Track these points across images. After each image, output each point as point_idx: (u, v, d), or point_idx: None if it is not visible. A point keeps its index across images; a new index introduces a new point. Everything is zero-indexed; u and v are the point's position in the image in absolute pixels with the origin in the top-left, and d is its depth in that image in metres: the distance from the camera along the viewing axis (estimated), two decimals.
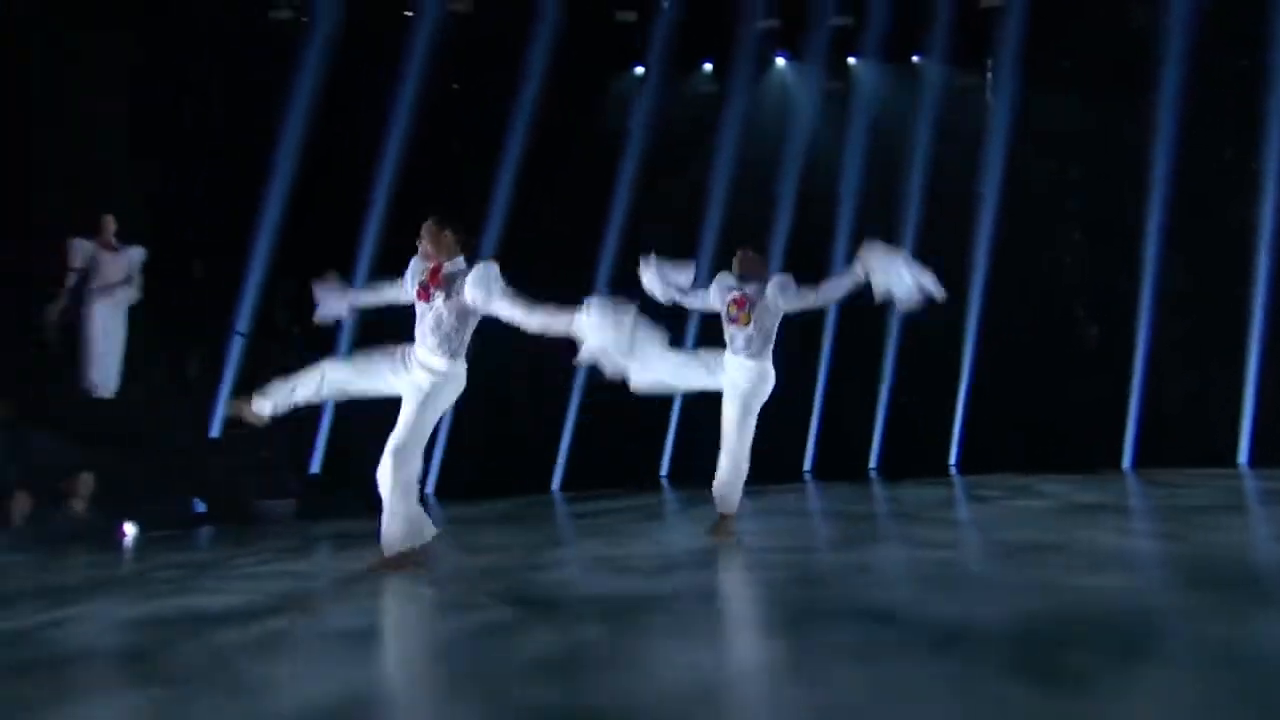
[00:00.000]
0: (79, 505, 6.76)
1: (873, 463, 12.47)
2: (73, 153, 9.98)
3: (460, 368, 4.21)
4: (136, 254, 8.06)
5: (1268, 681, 2.07)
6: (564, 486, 11.16)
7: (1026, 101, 11.77)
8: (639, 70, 12.96)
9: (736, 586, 3.99)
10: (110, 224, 8.00)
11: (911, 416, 12.26)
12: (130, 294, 7.96)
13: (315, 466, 10.27)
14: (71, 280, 7.77)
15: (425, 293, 4.15)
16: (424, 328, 4.15)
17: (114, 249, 7.94)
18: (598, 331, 3.77)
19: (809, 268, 11.77)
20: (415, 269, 4.23)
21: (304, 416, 10.28)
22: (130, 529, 6.52)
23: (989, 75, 12.39)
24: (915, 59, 12.92)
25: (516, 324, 4.08)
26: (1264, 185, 10.39)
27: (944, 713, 1.92)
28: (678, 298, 5.26)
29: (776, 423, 12.69)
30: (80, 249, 7.83)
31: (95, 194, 9.69)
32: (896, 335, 11.96)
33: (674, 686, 2.18)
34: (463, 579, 4.13)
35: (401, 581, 3.95)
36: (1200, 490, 7.23)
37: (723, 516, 4.97)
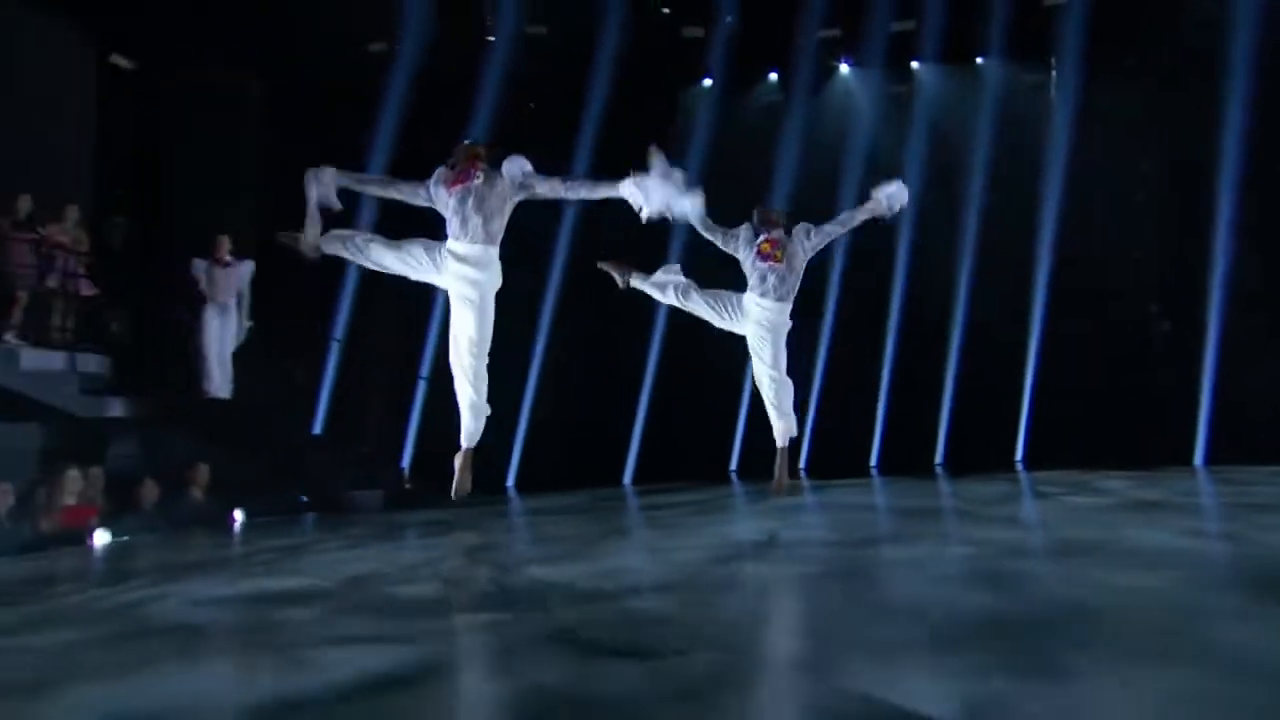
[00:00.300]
0: (197, 493, 7.26)
1: (938, 458, 12.15)
2: (205, 179, 10.76)
3: (496, 255, 4.13)
4: (247, 268, 8.60)
5: (1260, 687, 1.99)
6: (635, 480, 11.27)
7: (1094, 96, 11.27)
8: (707, 83, 12.98)
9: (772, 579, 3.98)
10: (224, 244, 8.55)
11: (977, 411, 11.89)
12: (244, 314, 8.49)
13: (405, 462, 10.73)
14: (193, 293, 8.36)
15: (464, 176, 4.10)
16: (463, 214, 4.05)
17: (227, 265, 8.46)
18: (652, 187, 3.88)
19: (873, 267, 11.74)
20: (441, 174, 4.16)
21: (396, 420, 10.86)
22: (239, 515, 6.94)
23: (1053, 72, 11.89)
24: (979, 60, 12.53)
25: (560, 196, 4.24)
26: None
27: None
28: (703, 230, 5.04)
29: (842, 417, 12.57)
30: (199, 267, 8.40)
31: (223, 216, 10.44)
32: (961, 330, 11.64)
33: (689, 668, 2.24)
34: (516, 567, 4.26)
35: (460, 564, 4.12)
36: (1271, 488, 6.80)
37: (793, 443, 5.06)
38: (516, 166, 4.15)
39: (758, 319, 4.82)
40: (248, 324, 8.60)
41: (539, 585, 3.68)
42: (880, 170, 12.17)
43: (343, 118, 11.45)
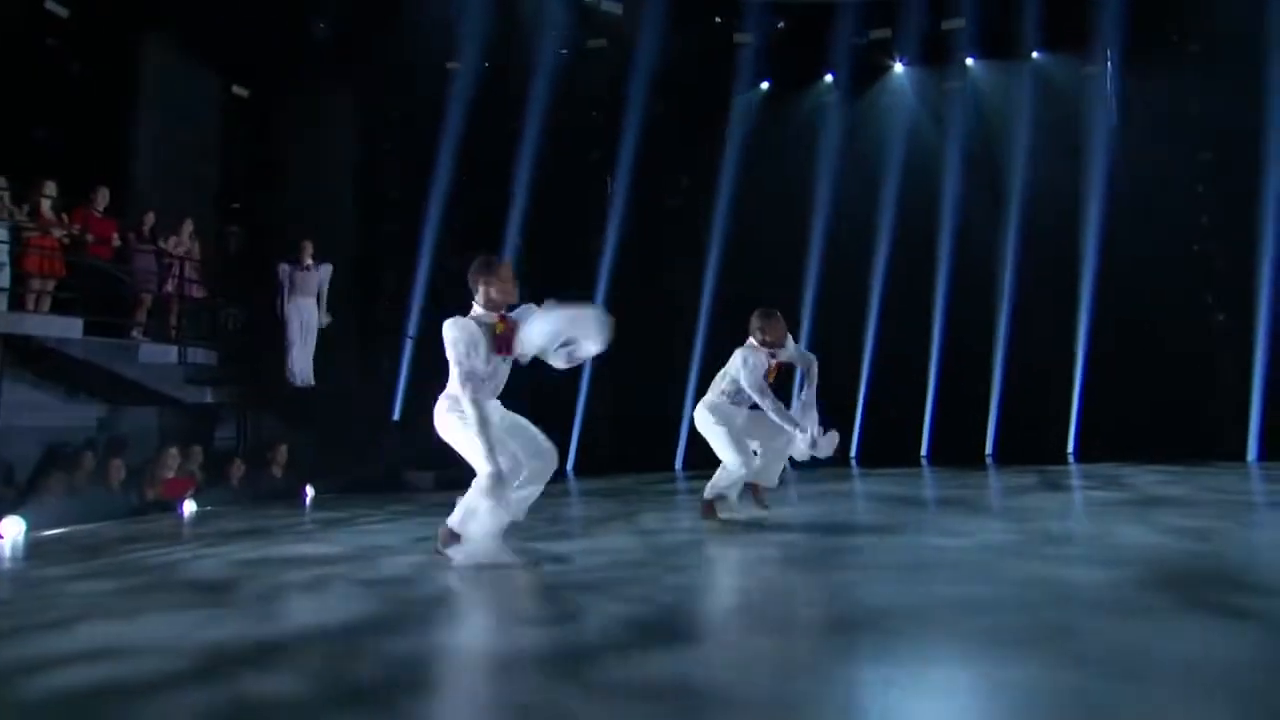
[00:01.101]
0: (277, 470, 7.89)
1: (988, 449, 11.80)
2: (308, 191, 11.57)
3: None
4: (325, 270, 9.20)
5: (1112, 684, 2.00)
6: (685, 465, 11.41)
7: (1143, 86, 10.66)
8: (764, 85, 12.94)
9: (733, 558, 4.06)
10: (307, 248, 9.17)
11: (1028, 403, 11.47)
12: (323, 311, 9.10)
13: None
14: (278, 293, 9.04)
15: (510, 344, 3.64)
16: (497, 379, 3.69)
17: (308, 268, 9.09)
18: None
19: (919, 257, 11.46)
20: (484, 327, 3.58)
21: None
22: (310, 490, 7.50)
23: (1108, 65, 11.27)
24: (1033, 54, 12.01)
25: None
26: None
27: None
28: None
29: (893, 407, 12.34)
30: (284, 269, 9.06)
31: (321, 222, 11.23)
32: (1008, 320, 11.25)
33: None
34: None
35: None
36: None
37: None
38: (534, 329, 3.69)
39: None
40: (327, 319, 9.20)
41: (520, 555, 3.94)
42: (932, 165, 11.94)
43: (422, 131, 12.05)
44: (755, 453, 4.93)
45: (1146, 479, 7.33)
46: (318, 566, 3.89)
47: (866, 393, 11.83)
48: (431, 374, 11.82)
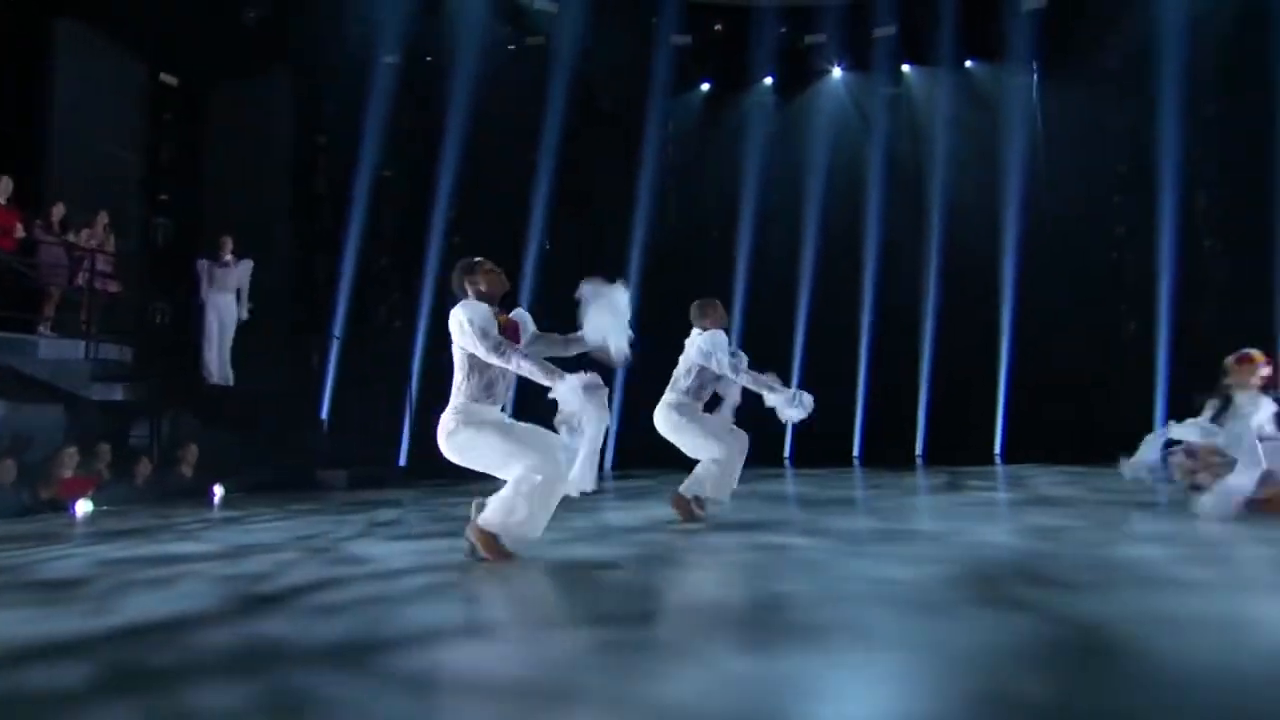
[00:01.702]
0: (187, 470, 7.85)
1: (918, 449, 12.12)
2: (241, 182, 11.49)
3: None
4: (246, 267, 9.15)
5: (856, 670, 2.13)
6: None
7: (1072, 99, 11.05)
8: (705, 87, 13.14)
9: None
10: (226, 243, 9.12)
11: (956, 404, 11.81)
12: (242, 309, 9.05)
13: (404, 445, 11.28)
14: (196, 290, 8.99)
15: (516, 335, 3.74)
16: (506, 380, 3.70)
17: (227, 263, 9.05)
18: (599, 321, 3.65)
19: (845, 263, 11.70)
20: (492, 313, 3.61)
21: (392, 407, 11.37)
22: (219, 490, 7.48)
23: (1033, 76, 11.65)
24: (967, 63, 12.37)
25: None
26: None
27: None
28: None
29: (824, 410, 12.68)
30: (201, 265, 9.01)
31: (256, 215, 11.17)
32: (934, 323, 11.57)
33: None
34: None
35: (339, 539, 4.48)
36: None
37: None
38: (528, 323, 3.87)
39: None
40: (245, 317, 9.15)
41: (351, 559, 4.03)
42: (855, 174, 12.18)
43: (358, 126, 12.03)
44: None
45: (1046, 480, 7.62)
46: (178, 564, 3.94)
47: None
48: (358, 374, 11.74)
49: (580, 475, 3.50)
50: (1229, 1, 9.63)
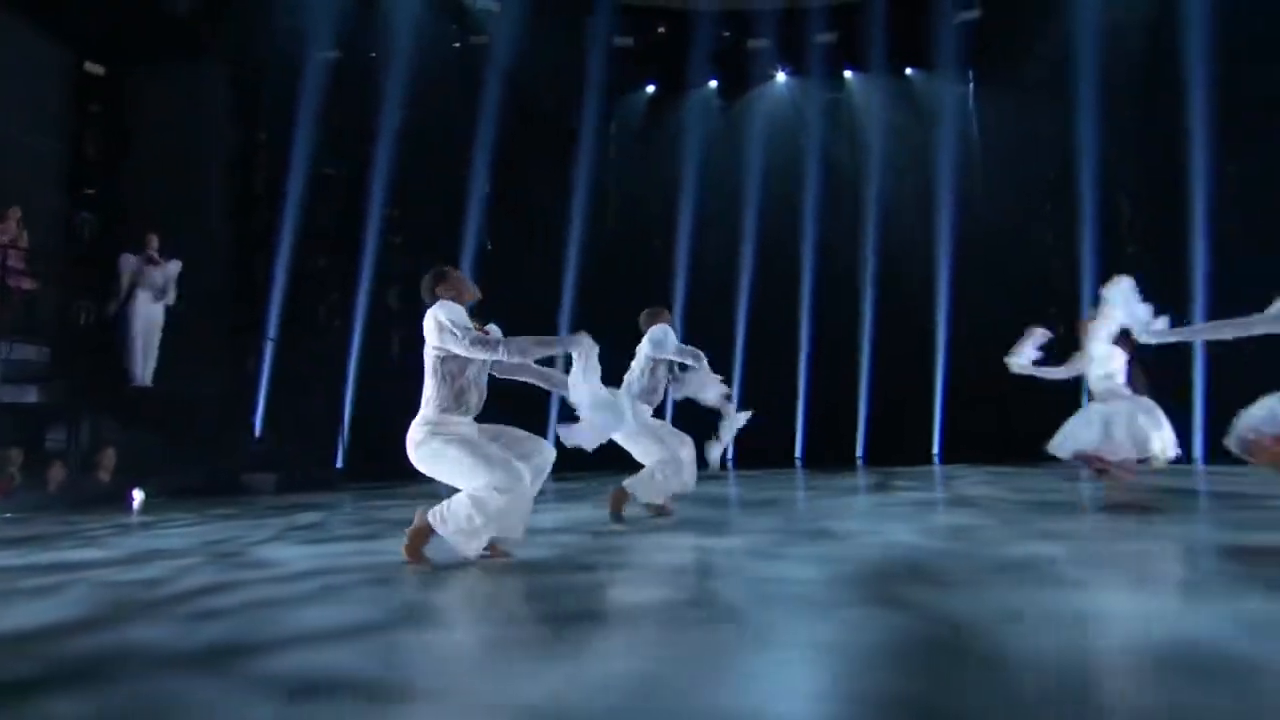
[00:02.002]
0: (104, 475, 7.63)
1: (859, 451, 12.32)
2: (171, 176, 11.17)
3: None
4: (174, 266, 8.92)
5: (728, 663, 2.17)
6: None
7: (1005, 108, 11.37)
8: (650, 89, 13.20)
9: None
10: (153, 241, 8.89)
11: (896, 406, 12.03)
12: (168, 298, 8.81)
13: (341, 449, 11.14)
14: (119, 288, 8.74)
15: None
16: (480, 387, 3.75)
17: (155, 262, 8.82)
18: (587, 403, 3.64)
19: (783, 265, 11.88)
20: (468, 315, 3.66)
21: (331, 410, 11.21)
22: (138, 495, 7.29)
23: (970, 85, 11.97)
24: (908, 71, 12.63)
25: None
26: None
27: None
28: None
29: (767, 414, 12.79)
30: (126, 262, 8.77)
31: (187, 210, 10.89)
32: (872, 325, 11.80)
33: None
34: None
35: (248, 543, 4.40)
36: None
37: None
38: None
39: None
40: (171, 302, 8.87)
41: (255, 563, 3.98)
42: (794, 178, 12.35)
43: (298, 123, 11.82)
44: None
45: (972, 480, 7.83)
46: (70, 572, 3.84)
47: (740, 395, 12.17)
48: (295, 375, 11.51)
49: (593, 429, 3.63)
50: (1141, 12, 10.00)
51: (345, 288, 11.83)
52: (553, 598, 3.19)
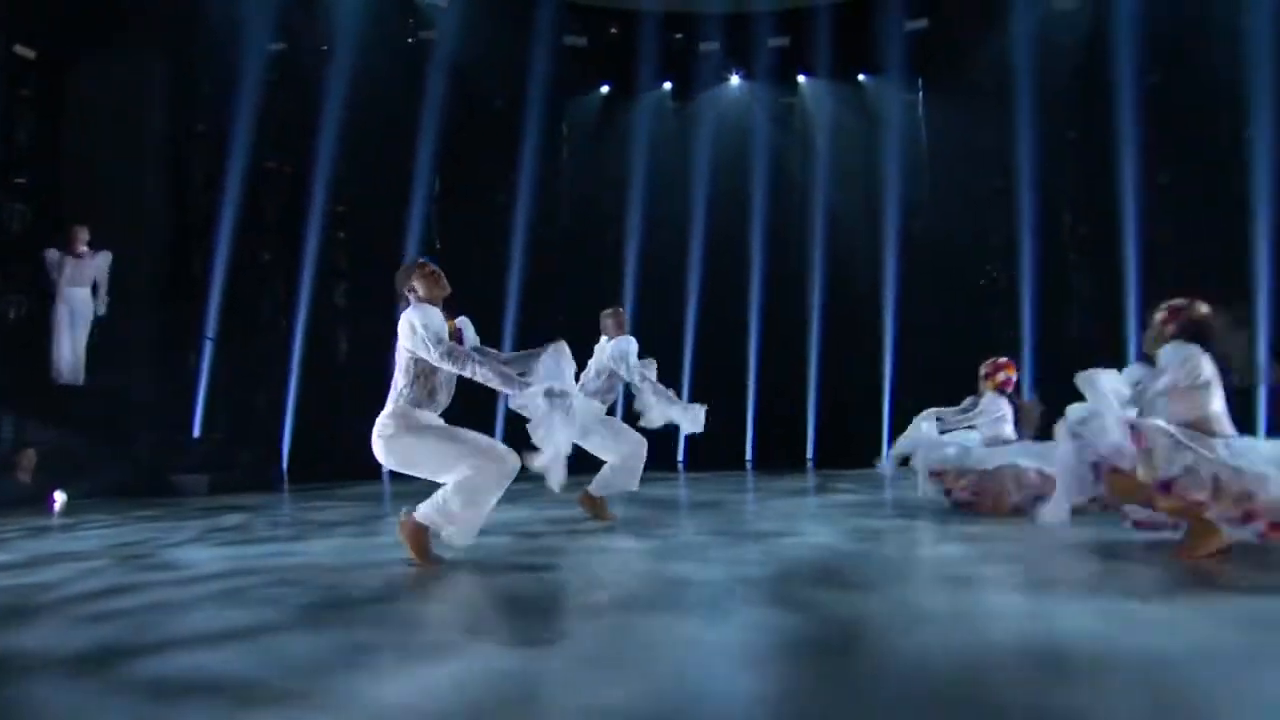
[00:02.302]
0: (24, 476, 7.42)
1: (809, 453, 12.46)
2: (107, 165, 10.87)
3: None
4: (104, 259, 8.69)
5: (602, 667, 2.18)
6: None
7: (950, 117, 11.62)
8: (604, 89, 13.21)
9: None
10: (80, 234, 8.66)
11: (843, 408, 12.19)
12: (99, 304, 8.58)
13: (285, 450, 10.98)
14: (46, 282, 8.51)
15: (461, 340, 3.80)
16: (451, 385, 3.73)
17: (81, 255, 8.59)
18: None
19: (732, 270, 11.99)
20: (443, 317, 3.64)
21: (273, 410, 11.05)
22: (60, 497, 7.10)
23: (920, 93, 12.20)
24: (860, 77, 12.81)
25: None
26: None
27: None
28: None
29: (719, 415, 12.96)
30: (52, 256, 8.53)
31: (123, 201, 10.62)
32: (820, 328, 11.96)
33: None
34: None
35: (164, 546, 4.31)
36: None
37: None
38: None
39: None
40: (102, 313, 8.71)
41: (162, 565, 3.91)
42: (744, 182, 12.47)
43: (240, 114, 11.61)
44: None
45: (913, 483, 7.94)
46: None
47: (689, 397, 12.24)
48: (237, 373, 11.31)
49: (551, 476, 3.54)
50: (1077, 27, 10.28)
51: (290, 284, 11.65)
52: (455, 599, 3.19)
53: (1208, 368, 3.46)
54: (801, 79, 12.96)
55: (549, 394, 3.47)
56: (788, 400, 12.20)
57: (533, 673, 2.14)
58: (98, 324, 8.75)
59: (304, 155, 11.54)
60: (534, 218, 11.84)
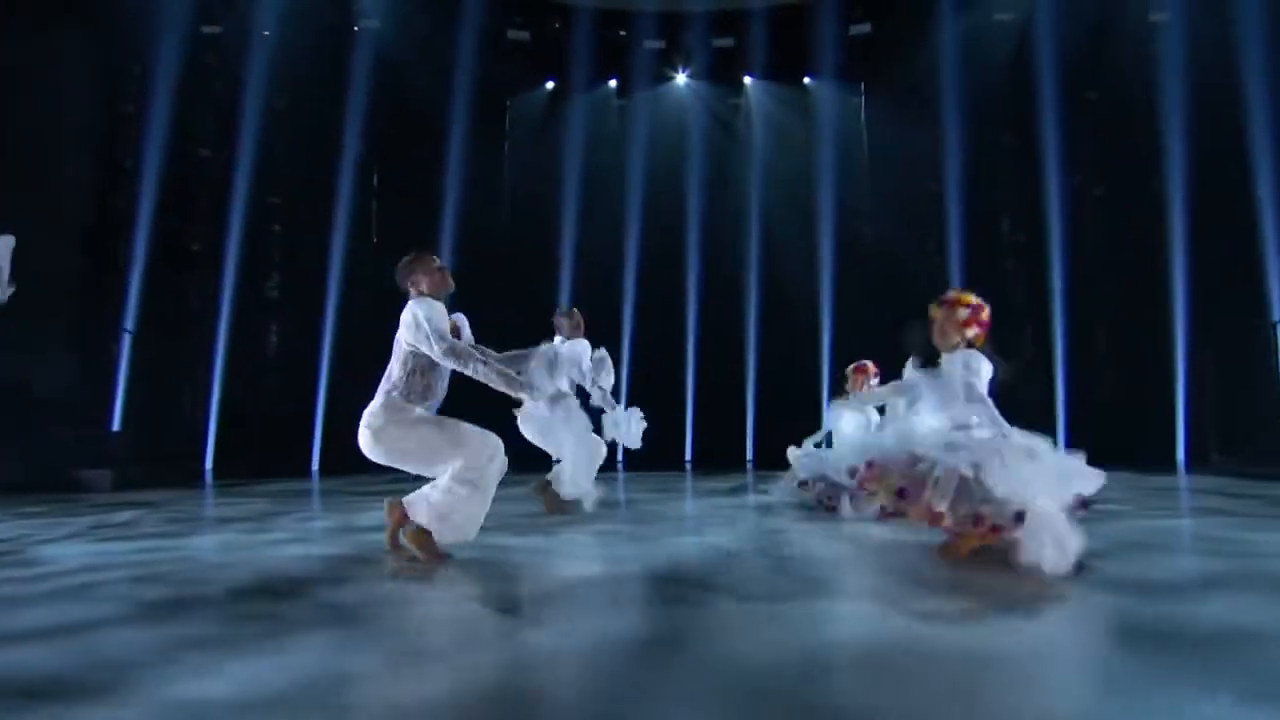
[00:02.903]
0: None
1: (749, 454, 12.55)
2: (32, 152, 10.53)
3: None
4: (5, 244, 8.40)
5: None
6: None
7: (891, 121, 11.80)
8: (549, 85, 13.17)
9: None
10: None
11: (780, 409, 12.30)
12: (2, 286, 8.30)
13: (210, 444, 10.78)
14: None
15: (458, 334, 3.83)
16: (447, 379, 3.73)
17: None
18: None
19: (669, 270, 12.06)
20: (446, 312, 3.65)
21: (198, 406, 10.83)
22: None
23: (862, 97, 12.38)
24: (806, 80, 12.93)
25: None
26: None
27: None
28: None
29: (658, 415, 12.98)
30: None
31: (48, 187, 10.29)
32: (757, 327, 12.07)
33: None
34: None
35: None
36: None
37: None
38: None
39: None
40: (3, 300, 8.43)
41: (24, 562, 3.82)
42: (680, 182, 12.56)
43: (172, 97, 11.35)
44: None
45: None
46: None
47: (627, 396, 12.27)
48: (161, 365, 11.07)
49: (578, 486, 3.55)
50: (1014, 39, 10.54)
51: (219, 276, 11.43)
52: (302, 593, 3.14)
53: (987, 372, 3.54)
54: (748, 80, 13.07)
55: (554, 399, 3.61)
56: (727, 401, 12.29)
57: (346, 667, 2.13)
58: (16, 313, 8.46)
59: (239, 144, 11.32)
60: (474, 213, 11.77)
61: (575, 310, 5.56)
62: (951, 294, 3.71)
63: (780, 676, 2.06)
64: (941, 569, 3.42)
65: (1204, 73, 8.98)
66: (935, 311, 3.66)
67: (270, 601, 3.03)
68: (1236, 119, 8.48)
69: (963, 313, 3.62)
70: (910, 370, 3.76)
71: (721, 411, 12.37)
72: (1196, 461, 9.76)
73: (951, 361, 3.55)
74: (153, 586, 3.19)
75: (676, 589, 3.16)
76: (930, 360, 3.71)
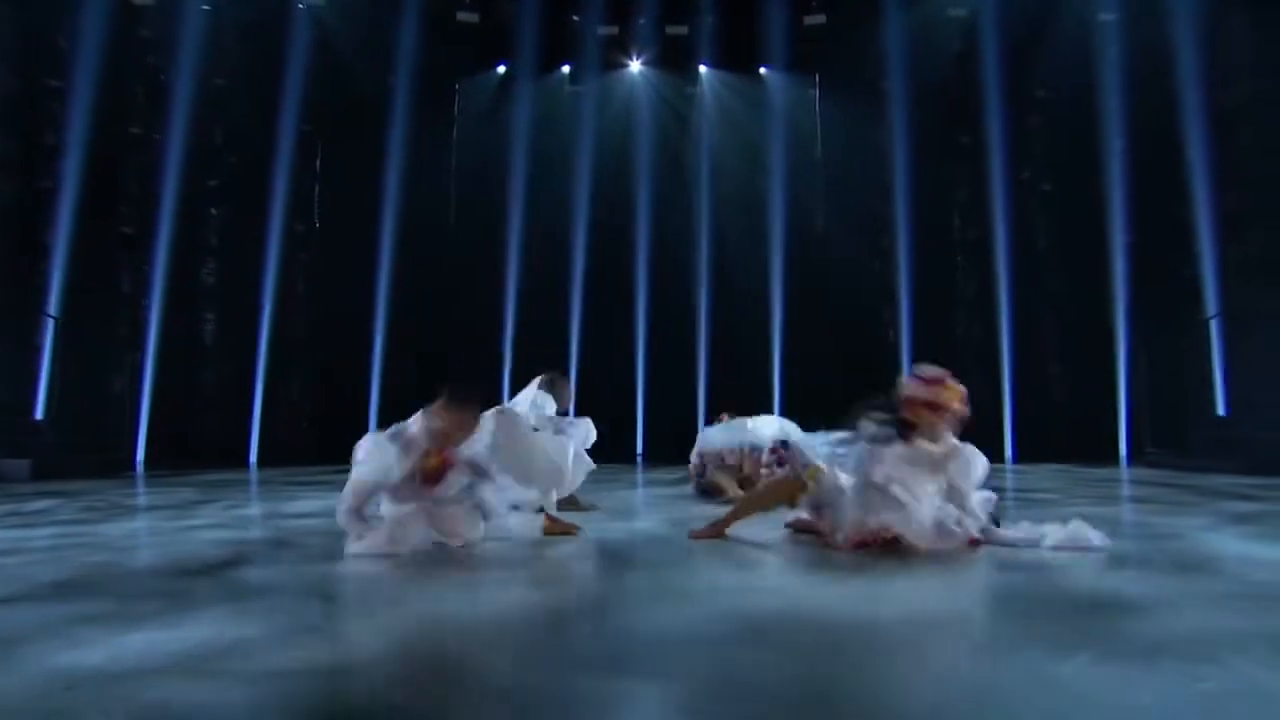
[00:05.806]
0: None
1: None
2: None
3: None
4: None
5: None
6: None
7: (844, 113, 12.02)
8: (500, 70, 13.13)
9: None
10: None
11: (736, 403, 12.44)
12: None
13: (141, 434, 10.59)
14: None
15: (434, 480, 3.51)
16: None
17: None
18: None
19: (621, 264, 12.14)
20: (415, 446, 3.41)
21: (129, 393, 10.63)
22: None
23: (817, 89, 12.57)
24: (762, 70, 13.08)
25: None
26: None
27: None
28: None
29: (609, 407, 12.99)
30: None
31: None
32: (708, 321, 12.21)
33: None
34: None
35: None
36: None
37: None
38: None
39: None
40: None
41: None
42: (630, 170, 12.65)
43: (101, 71, 11.07)
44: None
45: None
46: None
47: (578, 389, 12.32)
48: (87, 354, 10.84)
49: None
50: (965, 36, 10.81)
51: (152, 260, 11.22)
52: (211, 574, 3.16)
53: None
54: (703, 69, 13.18)
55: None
56: (678, 390, 12.41)
57: (230, 638, 2.16)
58: None
59: (172, 122, 11.12)
60: (420, 198, 11.72)
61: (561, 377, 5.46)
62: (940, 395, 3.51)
63: (680, 645, 2.14)
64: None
65: (1146, 72, 9.32)
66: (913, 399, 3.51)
67: (175, 580, 3.04)
68: (1174, 118, 8.82)
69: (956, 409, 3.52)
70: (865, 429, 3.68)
71: (672, 402, 12.48)
72: (1138, 455, 10.12)
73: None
74: (53, 568, 3.18)
75: (596, 566, 3.25)
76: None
